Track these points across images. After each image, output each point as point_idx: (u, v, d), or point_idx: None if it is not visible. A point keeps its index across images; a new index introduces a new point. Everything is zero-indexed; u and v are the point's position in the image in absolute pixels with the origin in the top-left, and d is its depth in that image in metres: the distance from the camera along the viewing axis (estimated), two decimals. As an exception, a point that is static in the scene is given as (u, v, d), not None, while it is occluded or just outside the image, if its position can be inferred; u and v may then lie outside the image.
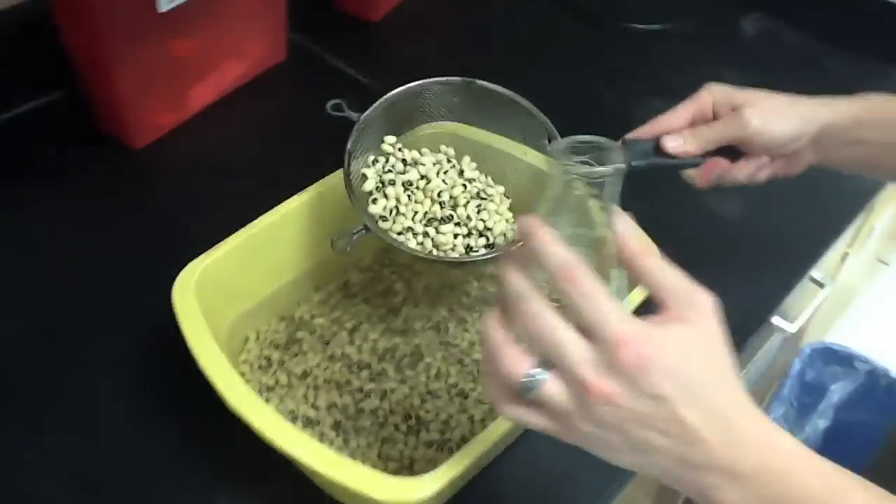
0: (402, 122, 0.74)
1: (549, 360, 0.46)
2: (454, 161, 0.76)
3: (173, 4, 0.92)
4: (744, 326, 0.88)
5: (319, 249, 0.79)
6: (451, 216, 0.71)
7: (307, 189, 0.76)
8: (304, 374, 0.74)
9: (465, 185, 0.73)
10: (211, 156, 1.00)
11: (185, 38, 0.97)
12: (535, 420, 0.48)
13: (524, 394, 0.47)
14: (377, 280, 0.82)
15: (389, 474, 0.56)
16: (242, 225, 0.73)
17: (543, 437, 0.49)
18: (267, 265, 0.75)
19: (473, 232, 0.71)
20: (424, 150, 0.75)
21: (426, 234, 0.70)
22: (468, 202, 0.72)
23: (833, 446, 1.47)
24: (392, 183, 0.71)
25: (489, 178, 0.76)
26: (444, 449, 0.70)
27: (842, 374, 1.50)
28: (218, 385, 0.60)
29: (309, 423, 0.71)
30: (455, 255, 0.70)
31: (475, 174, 0.76)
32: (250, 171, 0.98)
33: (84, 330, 0.79)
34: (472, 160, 0.77)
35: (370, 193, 0.71)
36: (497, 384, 0.48)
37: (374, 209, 0.70)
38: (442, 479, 0.56)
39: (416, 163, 0.73)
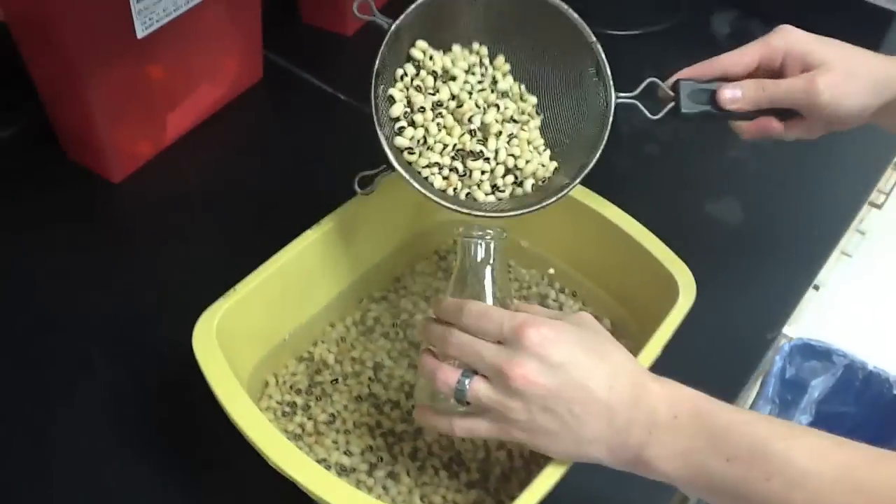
0: (435, 31, 0.67)
1: (474, 368, 0.56)
2: (486, 63, 0.70)
3: (151, 29, 0.87)
4: (759, 342, 0.87)
5: (336, 284, 0.75)
6: (482, 151, 0.67)
7: (320, 223, 0.71)
8: (332, 419, 0.69)
9: (497, 107, 0.68)
10: (194, 185, 0.95)
11: (161, 63, 0.92)
12: (481, 426, 0.56)
13: (459, 396, 0.56)
14: (393, 311, 0.78)
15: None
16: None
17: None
18: (284, 305, 0.71)
19: (501, 167, 0.67)
20: (456, 46, 0.69)
21: (453, 170, 0.66)
22: (500, 132, 0.67)
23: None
24: (422, 110, 0.66)
25: (522, 87, 0.71)
26: (486, 489, 0.67)
27: (821, 368, 1.50)
28: (258, 443, 0.56)
29: (344, 472, 0.66)
30: (481, 193, 0.67)
31: (509, 83, 0.70)
32: (238, 199, 0.93)
33: (69, 383, 0.74)
34: (507, 60, 0.70)
35: (397, 119, 0.66)
36: (439, 413, 0.59)
37: (401, 140, 0.65)
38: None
39: (447, 74, 0.68)
